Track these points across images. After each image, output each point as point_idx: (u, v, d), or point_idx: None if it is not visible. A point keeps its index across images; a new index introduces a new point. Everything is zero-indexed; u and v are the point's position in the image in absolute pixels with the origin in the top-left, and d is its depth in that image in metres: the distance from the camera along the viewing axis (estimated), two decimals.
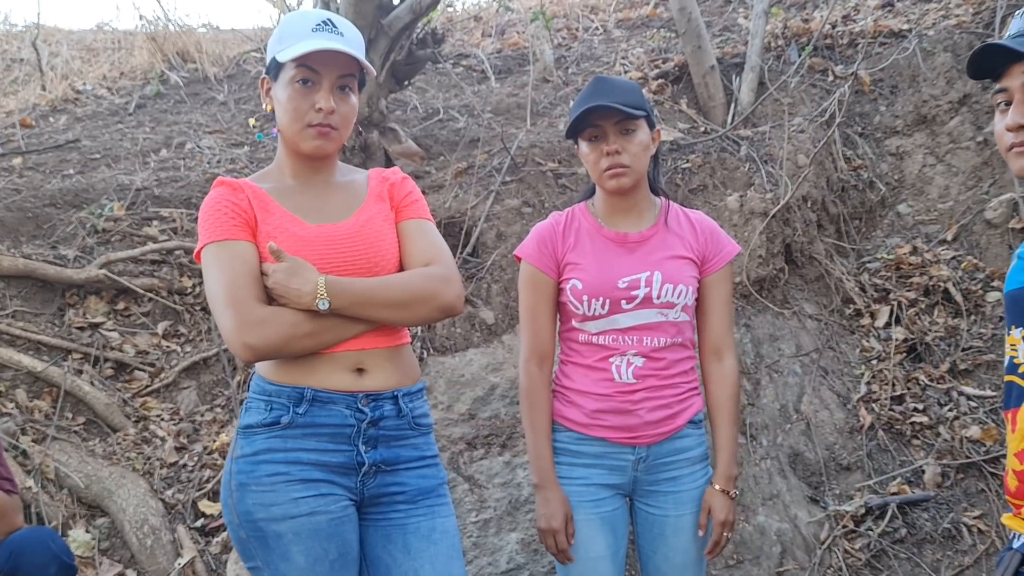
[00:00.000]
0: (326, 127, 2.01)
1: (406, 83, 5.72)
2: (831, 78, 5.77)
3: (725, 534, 2.41)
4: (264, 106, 2.11)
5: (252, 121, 6.16)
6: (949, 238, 5.02)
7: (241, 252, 1.96)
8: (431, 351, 4.22)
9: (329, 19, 2.01)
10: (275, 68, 2.05)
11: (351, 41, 2.02)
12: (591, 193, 2.53)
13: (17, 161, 5.55)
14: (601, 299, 2.34)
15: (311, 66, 1.99)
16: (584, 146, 2.39)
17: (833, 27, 6.23)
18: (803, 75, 5.71)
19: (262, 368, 2.02)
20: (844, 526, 3.84)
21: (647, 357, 2.35)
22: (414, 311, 2.02)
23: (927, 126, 5.44)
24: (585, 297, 2.35)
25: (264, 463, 1.95)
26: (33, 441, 3.69)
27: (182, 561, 3.34)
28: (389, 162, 5.25)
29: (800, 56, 5.86)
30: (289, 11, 7.69)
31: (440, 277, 2.04)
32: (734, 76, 5.87)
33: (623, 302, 2.34)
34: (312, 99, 2.00)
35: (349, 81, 2.05)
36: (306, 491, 1.94)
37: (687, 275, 2.39)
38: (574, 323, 2.42)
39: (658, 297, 2.34)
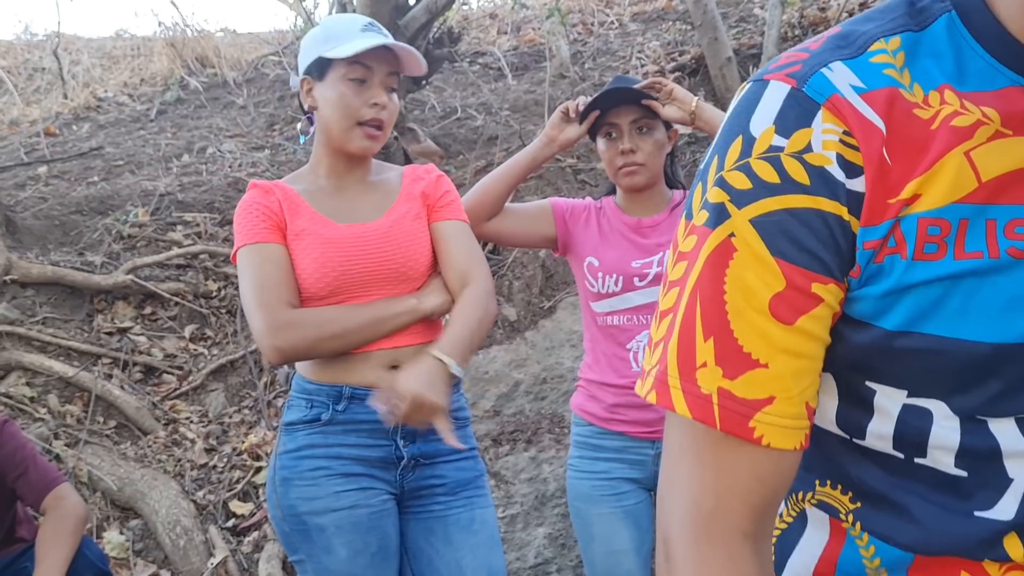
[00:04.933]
0: (375, 127, 2.04)
1: (424, 83, 5.76)
2: None
3: None
4: (306, 106, 2.11)
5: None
6: None
7: (271, 254, 1.99)
8: None
9: (372, 22, 2.07)
10: (321, 67, 2.06)
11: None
12: (614, 187, 2.57)
13: (42, 170, 5.64)
14: (615, 275, 2.38)
15: (366, 64, 2.02)
16: (601, 143, 2.44)
17: (850, 15, 6.21)
18: None
19: (302, 368, 2.06)
20: None
21: None
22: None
23: None
24: (600, 274, 2.39)
25: (306, 458, 1.98)
26: (66, 445, 3.76)
27: (215, 561, 3.38)
28: (408, 162, 5.29)
29: None
30: (307, 14, 7.74)
31: (486, 295, 2.08)
32: (751, 67, 5.87)
33: (636, 279, 2.38)
34: (365, 97, 2.03)
35: (394, 81, 2.08)
36: (347, 485, 1.97)
37: None
38: (591, 304, 2.45)
39: None
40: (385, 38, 2.03)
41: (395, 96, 2.10)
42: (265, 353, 1.94)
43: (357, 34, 2.02)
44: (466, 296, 2.05)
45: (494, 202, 2.50)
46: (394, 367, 2.03)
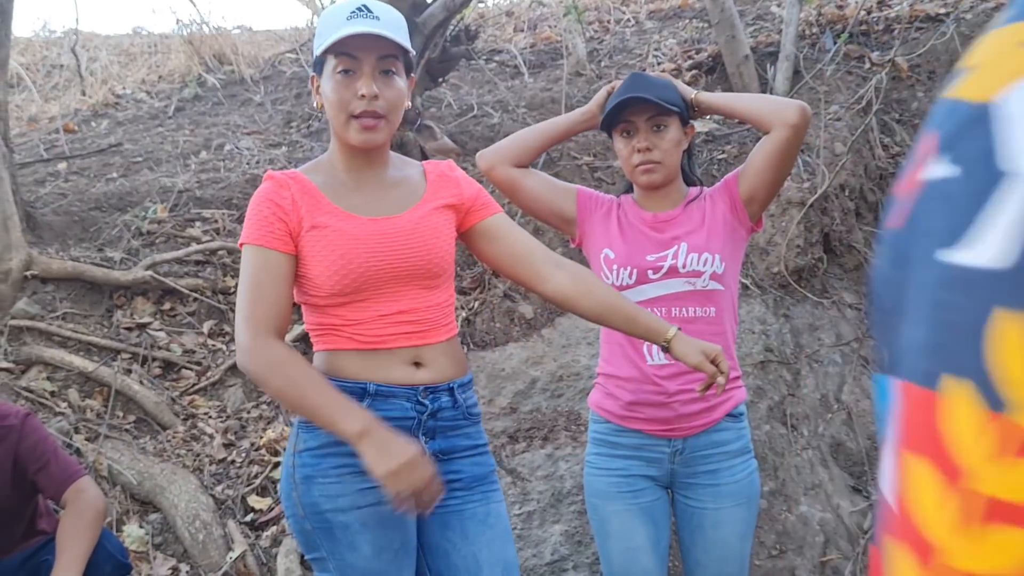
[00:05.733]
0: (371, 117, 1.96)
1: (441, 80, 5.77)
2: (867, 65, 5.73)
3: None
4: (315, 104, 2.07)
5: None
6: None
7: (272, 265, 1.95)
8: (471, 346, 4.27)
9: (364, 5, 1.95)
10: (319, 64, 2.02)
11: (388, 23, 1.96)
12: (631, 185, 2.58)
13: (62, 166, 5.68)
14: (629, 268, 2.39)
15: (350, 53, 1.94)
16: (618, 141, 2.45)
17: (868, 13, 6.19)
18: (839, 63, 5.68)
19: (322, 364, 2.04)
20: None
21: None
22: None
23: None
24: (615, 266, 2.41)
25: (330, 455, 1.97)
26: (86, 440, 3.78)
27: (233, 555, 3.41)
28: (425, 159, 5.30)
29: (835, 43, 5.83)
30: (322, 10, 7.76)
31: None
32: (769, 65, 5.85)
33: (650, 272, 2.39)
34: (354, 87, 1.95)
35: (391, 64, 1.98)
36: (371, 482, 1.93)
37: (715, 243, 2.40)
38: None
39: (683, 266, 2.38)
40: (369, 23, 1.92)
41: (396, 80, 2.00)
42: (237, 358, 1.93)
43: (342, 24, 1.93)
44: (593, 278, 2.15)
45: (524, 153, 2.54)
46: (417, 364, 2.04)
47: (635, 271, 2.39)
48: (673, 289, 2.38)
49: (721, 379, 2.03)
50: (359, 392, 1.98)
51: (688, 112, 2.45)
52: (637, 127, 2.39)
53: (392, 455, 1.81)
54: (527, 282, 2.15)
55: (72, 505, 2.55)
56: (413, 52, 2.06)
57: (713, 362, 2.04)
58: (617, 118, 2.40)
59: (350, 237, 1.97)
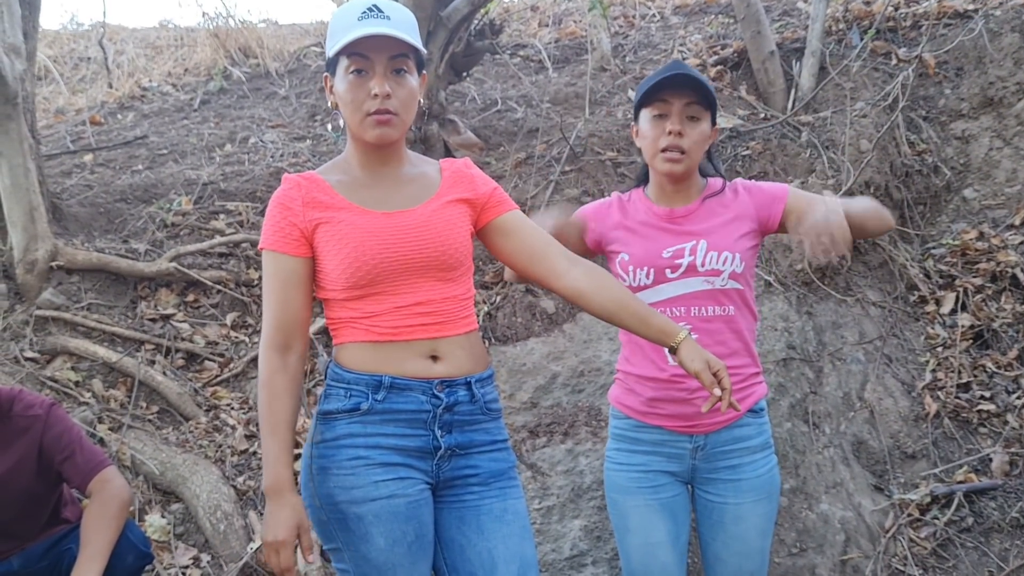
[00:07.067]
0: (384, 114, 2.00)
1: (465, 74, 5.76)
2: (894, 61, 5.67)
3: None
4: (329, 103, 2.12)
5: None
6: (1017, 223, 4.92)
7: (283, 268, 2.03)
8: (493, 340, 4.27)
9: (375, 5, 1.99)
10: (332, 64, 2.06)
11: (398, 23, 1.98)
12: (644, 177, 2.54)
13: (88, 158, 5.72)
14: (646, 268, 2.37)
15: (362, 54, 1.98)
16: (646, 122, 2.40)
17: (896, 9, 6.12)
18: (865, 59, 5.63)
19: (339, 357, 2.07)
20: (909, 515, 3.80)
21: (698, 331, 2.34)
22: None
23: (993, 109, 5.32)
24: (631, 268, 2.39)
25: (345, 447, 2.00)
26: (110, 429, 3.82)
27: (254, 546, 3.42)
28: (449, 153, 5.29)
29: (862, 39, 5.78)
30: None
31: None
32: (794, 61, 5.81)
33: (667, 271, 2.37)
34: (367, 87, 1.99)
35: (402, 63, 2.02)
36: (386, 475, 1.99)
37: (735, 242, 2.38)
38: None
39: (702, 265, 2.35)
40: (379, 23, 1.96)
41: (407, 78, 2.04)
42: (260, 347, 2.05)
43: (354, 24, 1.97)
44: (607, 276, 2.14)
45: None
46: (433, 357, 2.05)
47: (652, 270, 2.37)
48: (692, 288, 2.36)
49: (717, 391, 2.00)
50: (374, 384, 2.01)
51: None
52: (672, 109, 2.35)
53: (271, 528, 1.96)
54: (542, 278, 2.15)
55: (98, 495, 2.57)
56: (424, 50, 2.10)
57: (716, 376, 2.02)
58: (653, 97, 2.37)
59: (363, 230, 2.00)
